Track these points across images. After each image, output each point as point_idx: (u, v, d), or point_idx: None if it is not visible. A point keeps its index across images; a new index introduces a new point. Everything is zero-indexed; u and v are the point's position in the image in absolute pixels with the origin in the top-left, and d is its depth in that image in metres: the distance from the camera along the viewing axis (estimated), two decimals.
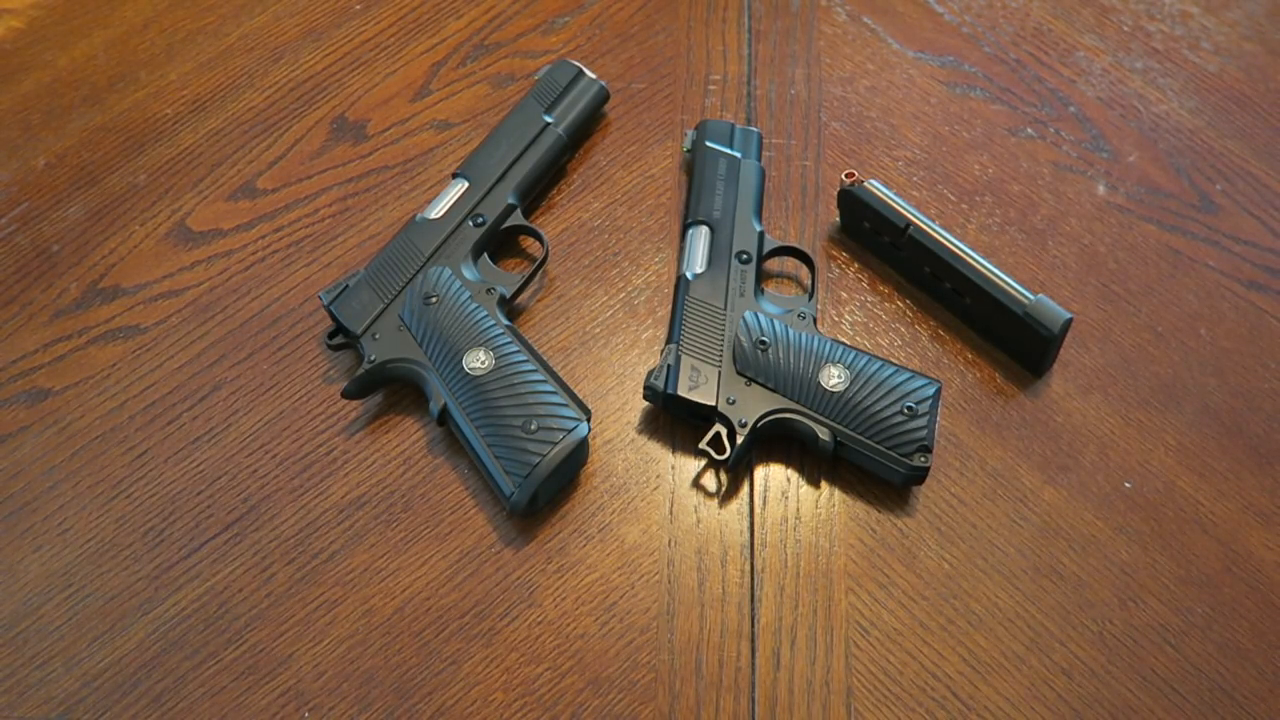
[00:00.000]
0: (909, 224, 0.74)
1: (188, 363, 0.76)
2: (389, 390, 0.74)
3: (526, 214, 0.81)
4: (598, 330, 0.77)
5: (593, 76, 0.84)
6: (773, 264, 0.80)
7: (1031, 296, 0.70)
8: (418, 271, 0.74)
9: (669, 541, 0.69)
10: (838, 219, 0.81)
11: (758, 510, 0.70)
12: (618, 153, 0.85)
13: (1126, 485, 0.71)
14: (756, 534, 0.69)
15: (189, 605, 0.67)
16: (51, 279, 0.80)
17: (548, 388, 0.69)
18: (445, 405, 0.69)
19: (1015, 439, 0.72)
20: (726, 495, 0.70)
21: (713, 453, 0.68)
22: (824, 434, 0.68)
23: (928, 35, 0.92)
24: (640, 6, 0.93)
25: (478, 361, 0.70)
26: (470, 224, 0.77)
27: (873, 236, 0.78)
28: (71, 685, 0.65)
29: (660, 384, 0.70)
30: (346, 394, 0.71)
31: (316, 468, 0.72)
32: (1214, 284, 0.79)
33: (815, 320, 0.73)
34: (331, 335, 0.73)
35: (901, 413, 0.68)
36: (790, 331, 0.71)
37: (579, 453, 0.68)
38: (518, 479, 0.66)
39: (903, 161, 0.84)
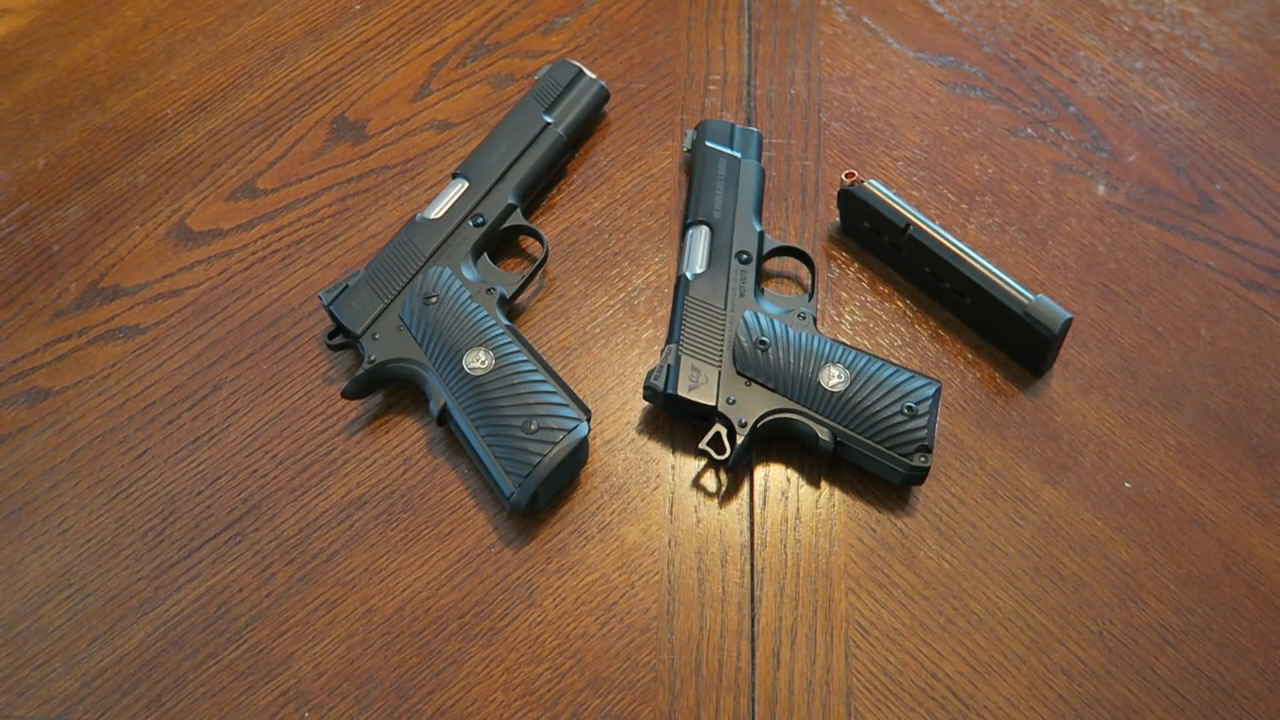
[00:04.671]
0: (909, 224, 0.74)
1: (188, 363, 0.76)
2: (389, 390, 0.74)
3: (526, 214, 0.81)
4: (598, 330, 0.77)
5: (593, 76, 0.84)
6: (773, 264, 0.80)
7: (1031, 296, 0.70)
8: (418, 271, 0.74)
9: (669, 541, 0.69)
10: (838, 219, 0.81)
11: (758, 510, 0.70)
12: (618, 153, 0.85)
13: (1126, 485, 0.71)
14: (756, 534, 0.69)
15: (189, 605, 0.67)
16: (51, 279, 0.81)
17: (548, 388, 0.69)
18: (445, 405, 0.69)
19: (1015, 439, 0.72)
20: (726, 495, 0.70)
21: (713, 453, 0.68)
22: (824, 434, 0.68)
23: (928, 35, 0.92)
24: (640, 6, 0.93)
25: (478, 361, 0.70)
26: (470, 224, 0.77)
27: (873, 236, 0.78)
28: (71, 685, 0.65)
29: (660, 384, 0.70)
30: (346, 394, 0.71)
31: (316, 468, 0.72)
32: (1214, 284, 0.79)
33: (815, 320, 0.73)
34: (331, 335, 0.73)
35: (901, 413, 0.68)
36: (790, 331, 0.71)
37: (579, 453, 0.68)
38: (518, 479, 0.66)
39: (903, 161, 0.84)
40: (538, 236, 0.78)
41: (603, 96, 0.84)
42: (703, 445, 0.68)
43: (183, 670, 0.66)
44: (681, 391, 0.69)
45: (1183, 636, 0.66)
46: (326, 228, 0.82)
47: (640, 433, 0.73)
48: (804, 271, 0.79)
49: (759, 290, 0.74)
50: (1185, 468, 0.71)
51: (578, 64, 0.84)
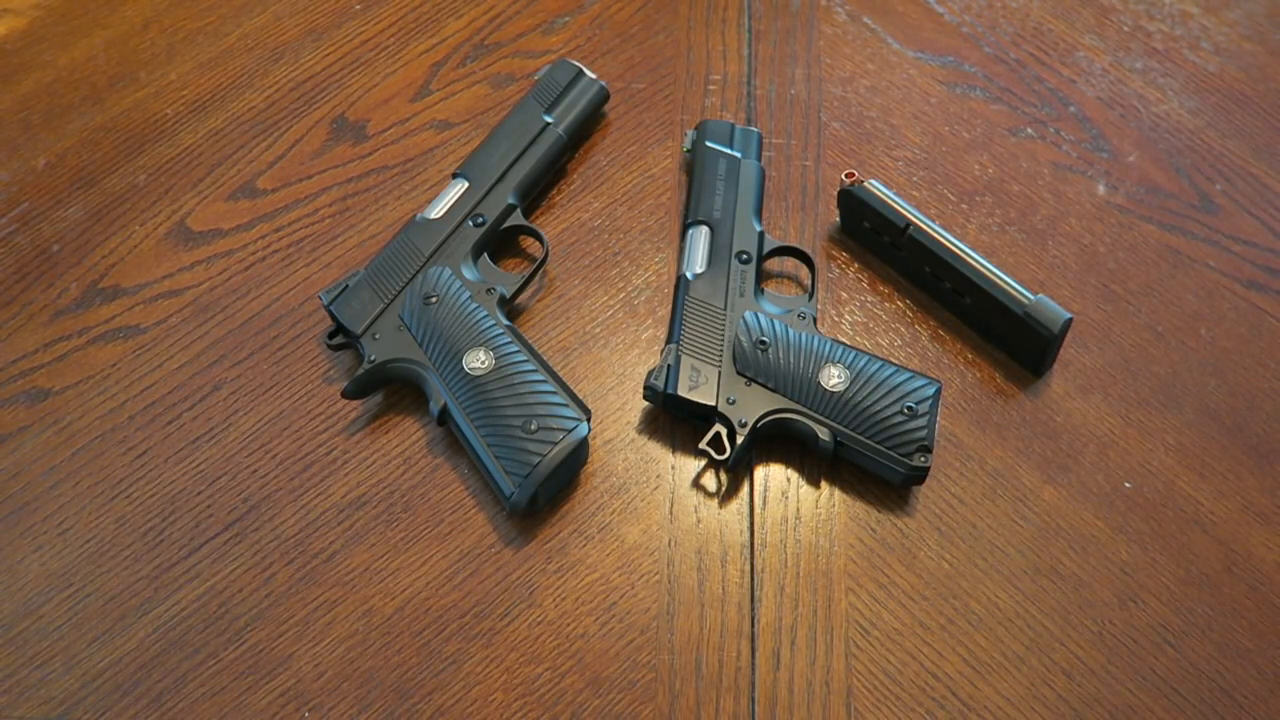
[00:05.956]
0: (909, 224, 0.74)
1: (188, 363, 0.76)
2: (389, 390, 0.74)
3: (526, 214, 0.81)
4: (598, 330, 0.77)
5: (593, 76, 0.84)
6: (773, 264, 0.80)
7: (1031, 296, 0.70)
8: (418, 271, 0.74)
9: (669, 541, 0.69)
10: (838, 219, 0.81)
11: (758, 510, 0.70)
12: (618, 153, 0.85)
13: (1126, 485, 0.71)
14: (756, 534, 0.69)
15: (189, 605, 0.67)
16: (51, 279, 0.81)
17: (548, 388, 0.69)
18: (445, 405, 0.69)
19: (1015, 439, 0.72)
20: (726, 495, 0.70)
21: (713, 453, 0.68)
22: (824, 434, 0.68)
23: (928, 35, 0.92)
24: (640, 6, 0.93)
25: (478, 361, 0.70)
26: (470, 224, 0.77)
27: (873, 236, 0.78)
28: (71, 685, 0.65)
29: (660, 384, 0.70)
30: (346, 394, 0.71)
31: (316, 468, 0.72)
32: (1214, 284, 0.79)
33: (815, 320, 0.73)
34: (331, 335, 0.73)
35: (901, 413, 0.68)
36: (790, 331, 0.71)
37: (579, 453, 0.68)
38: (518, 479, 0.66)
39: (903, 161, 0.84)
40: (538, 236, 0.78)
41: (603, 96, 0.84)
42: (703, 445, 0.68)
43: (183, 670, 0.65)
44: (681, 391, 0.69)
45: (1183, 636, 0.66)
46: (326, 228, 0.82)
47: (640, 433, 0.73)
48: (804, 271, 0.79)
49: (759, 290, 0.74)
50: (1185, 468, 0.71)
51: (578, 64, 0.84)
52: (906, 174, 0.84)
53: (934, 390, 0.69)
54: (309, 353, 0.76)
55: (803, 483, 0.71)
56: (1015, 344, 0.73)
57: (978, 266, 0.72)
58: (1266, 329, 0.77)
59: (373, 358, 0.71)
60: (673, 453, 0.72)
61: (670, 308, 0.77)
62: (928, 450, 0.67)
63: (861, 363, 0.69)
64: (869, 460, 0.68)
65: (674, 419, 0.73)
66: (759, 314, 0.72)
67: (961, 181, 0.83)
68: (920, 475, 0.68)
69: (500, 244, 0.80)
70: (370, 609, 0.67)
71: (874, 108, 0.87)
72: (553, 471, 0.66)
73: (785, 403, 0.69)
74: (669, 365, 0.70)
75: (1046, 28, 0.92)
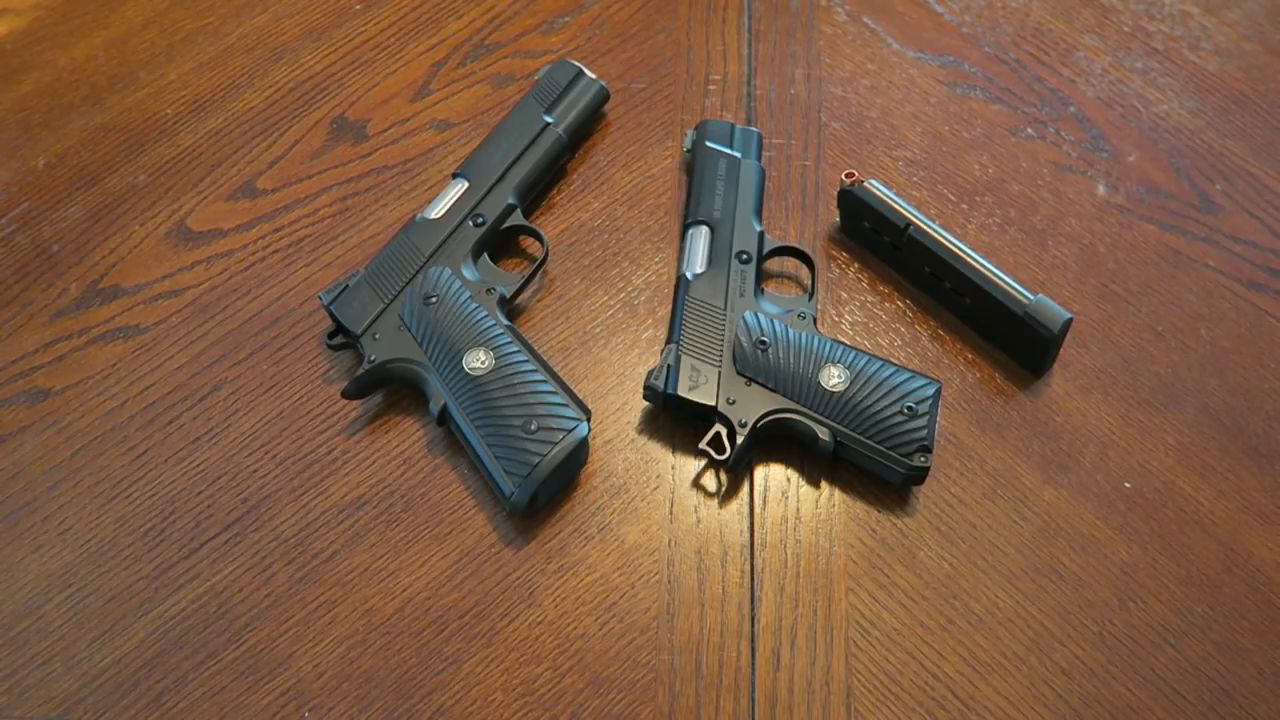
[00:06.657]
0: (909, 224, 0.74)
1: (188, 363, 0.76)
2: (389, 390, 0.74)
3: (526, 214, 0.80)
4: (598, 330, 0.77)
5: (593, 76, 0.84)
6: (773, 264, 0.80)
7: (1031, 296, 0.70)
8: (418, 271, 0.74)
9: (669, 541, 0.69)
10: (838, 219, 0.81)
11: (758, 510, 0.70)
12: (618, 153, 0.85)
13: (1126, 485, 0.71)
14: (756, 534, 0.69)
15: (189, 605, 0.67)
16: (51, 279, 0.81)
17: (548, 388, 0.69)
18: (445, 405, 0.69)
19: (1015, 439, 0.72)
20: (726, 495, 0.70)
21: (713, 453, 0.68)
22: (824, 434, 0.68)
23: (928, 35, 0.92)
24: (640, 6, 0.93)
25: (478, 361, 0.70)
26: (470, 224, 0.77)
27: (873, 236, 0.78)
28: (71, 685, 0.65)
29: (660, 384, 0.70)
30: (346, 394, 0.71)
31: (316, 468, 0.72)
32: (1214, 284, 0.79)
33: (815, 320, 0.73)
34: (331, 335, 0.73)
35: (901, 413, 0.68)
36: (790, 331, 0.71)
37: (579, 453, 0.68)
38: (518, 479, 0.66)
39: (903, 161, 0.84)
40: (538, 236, 0.78)
41: (603, 96, 0.84)
42: (703, 445, 0.68)
43: (183, 670, 0.66)
44: (681, 391, 0.69)
45: (1183, 636, 0.66)
46: (326, 228, 0.82)
47: (640, 433, 0.73)
48: (804, 271, 0.79)
49: (759, 290, 0.74)
50: (1185, 468, 0.71)
51: (578, 64, 0.84)
52: (906, 174, 0.84)
53: (934, 390, 0.69)
54: (309, 353, 0.76)
55: (803, 483, 0.71)
56: (1015, 344, 0.73)
57: (978, 266, 0.72)
58: (1266, 329, 0.77)
59: (373, 358, 0.71)
60: (673, 453, 0.72)
61: (670, 308, 0.77)
62: (928, 450, 0.67)
63: (861, 363, 0.69)
64: (869, 460, 0.68)
65: (674, 419, 0.73)
66: (759, 314, 0.72)
67: (961, 181, 0.83)
68: (920, 475, 0.68)
69: (500, 244, 0.80)
70: (370, 609, 0.67)
71: (874, 108, 0.87)
72: (553, 471, 0.66)
73: (785, 403, 0.69)
74: (669, 365, 0.70)
75: (1046, 28, 0.92)
